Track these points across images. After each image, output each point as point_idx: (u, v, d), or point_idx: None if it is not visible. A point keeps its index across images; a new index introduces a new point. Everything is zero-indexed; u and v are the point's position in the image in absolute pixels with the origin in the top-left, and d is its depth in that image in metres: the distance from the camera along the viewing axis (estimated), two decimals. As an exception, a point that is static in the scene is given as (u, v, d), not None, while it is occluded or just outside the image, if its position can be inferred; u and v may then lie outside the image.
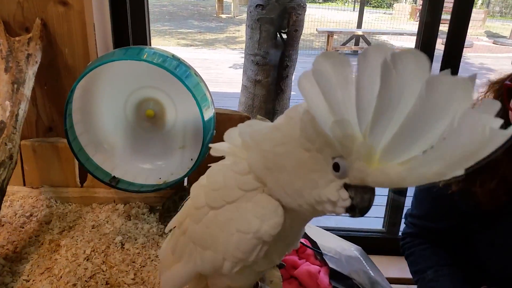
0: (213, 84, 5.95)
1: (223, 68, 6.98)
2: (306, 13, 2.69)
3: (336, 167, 0.45)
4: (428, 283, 1.00)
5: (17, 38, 1.00)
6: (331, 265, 0.96)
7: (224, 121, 1.07)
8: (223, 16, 12.21)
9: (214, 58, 7.72)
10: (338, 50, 7.81)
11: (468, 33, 1.38)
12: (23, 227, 1.00)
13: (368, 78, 0.38)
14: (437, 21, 1.31)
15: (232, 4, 12.19)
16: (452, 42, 1.32)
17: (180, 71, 0.85)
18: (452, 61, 1.34)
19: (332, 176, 0.46)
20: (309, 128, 0.46)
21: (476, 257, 0.99)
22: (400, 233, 1.65)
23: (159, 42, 8.97)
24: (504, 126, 0.36)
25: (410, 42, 8.73)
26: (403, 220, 1.65)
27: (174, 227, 0.67)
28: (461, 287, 0.96)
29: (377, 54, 0.38)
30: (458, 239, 1.02)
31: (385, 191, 1.71)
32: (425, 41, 1.33)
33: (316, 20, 9.82)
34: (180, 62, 0.88)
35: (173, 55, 0.89)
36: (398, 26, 10.97)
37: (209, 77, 6.36)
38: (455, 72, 1.36)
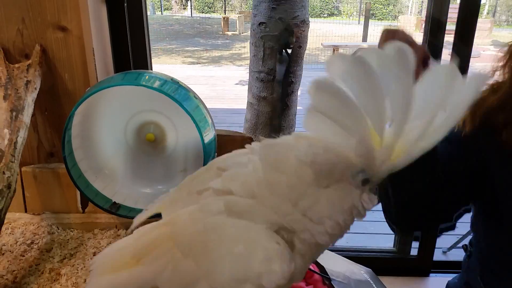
0: (220, 101, 5.97)
1: (229, 85, 7.01)
2: (311, 27, 2.69)
3: (365, 182, 0.47)
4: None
5: (16, 65, 1.00)
6: (339, 291, 0.92)
7: (226, 143, 1.06)
8: (229, 33, 12.35)
9: (220, 75, 7.77)
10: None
11: (475, 43, 1.36)
12: (23, 256, 0.98)
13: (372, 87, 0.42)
14: (442, 31, 1.30)
15: (237, 21, 12.33)
16: (459, 52, 1.29)
17: (179, 94, 0.84)
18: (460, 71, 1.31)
19: (359, 191, 0.48)
20: (325, 166, 0.47)
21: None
22: (411, 252, 1.61)
23: (165, 61, 9.08)
24: None
25: (416, 54, 8.70)
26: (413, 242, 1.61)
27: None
28: None
29: (372, 57, 0.43)
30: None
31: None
32: (431, 52, 1.31)
33: (321, 34, 9.87)
34: (179, 85, 0.87)
35: (172, 79, 0.88)
36: (404, 38, 10.96)
37: (216, 94, 6.39)
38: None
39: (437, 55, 1.33)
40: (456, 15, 1.24)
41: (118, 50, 1.25)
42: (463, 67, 1.34)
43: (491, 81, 0.87)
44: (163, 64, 8.58)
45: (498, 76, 0.86)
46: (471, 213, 1.00)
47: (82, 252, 1.00)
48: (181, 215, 0.55)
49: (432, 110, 0.43)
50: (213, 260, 0.48)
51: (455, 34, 1.27)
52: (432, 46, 1.32)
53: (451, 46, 1.32)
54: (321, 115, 0.43)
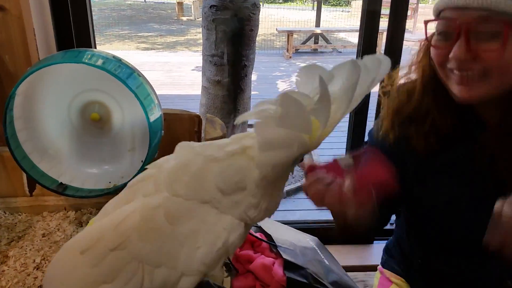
0: (175, 87, 5.90)
1: (185, 71, 6.92)
2: (267, 13, 2.72)
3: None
4: None
5: (-49, 46, 0.97)
6: (285, 257, 0.98)
7: (174, 121, 1.08)
8: (184, 18, 12.12)
9: (175, 60, 7.64)
10: (298, 49, 7.93)
11: (421, 28, 1.43)
12: (-32, 241, 0.97)
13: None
14: (376, 15, 1.36)
15: (192, 7, 12.11)
16: (393, 36, 1.37)
17: (122, 72, 0.84)
18: (393, 55, 1.39)
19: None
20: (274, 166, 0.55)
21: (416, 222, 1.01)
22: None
23: (118, 47, 8.80)
24: None
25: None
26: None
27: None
28: None
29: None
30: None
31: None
32: (368, 35, 1.39)
33: (276, 20, 9.89)
34: (121, 63, 0.87)
35: (113, 56, 0.88)
36: (356, 23, 11.19)
37: (171, 80, 6.30)
38: (396, 66, 1.42)
39: (373, 40, 1.40)
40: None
41: (60, 31, 1.23)
42: (397, 49, 1.41)
43: (407, 84, 0.93)
44: (116, 50, 8.32)
45: (413, 75, 0.92)
46: None
47: (30, 234, 1.00)
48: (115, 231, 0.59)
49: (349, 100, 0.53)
50: (184, 258, 0.55)
51: (389, 18, 1.34)
52: (368, 31, 1.38)
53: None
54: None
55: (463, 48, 0.74)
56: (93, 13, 1.27)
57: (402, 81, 0.93)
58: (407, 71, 0.92)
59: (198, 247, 0.54)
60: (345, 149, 1.70)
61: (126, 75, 0.84)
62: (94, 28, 1.32)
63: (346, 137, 1.69)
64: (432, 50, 0.83)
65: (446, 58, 0.78)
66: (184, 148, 0.64)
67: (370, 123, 1.55)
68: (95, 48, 1.34)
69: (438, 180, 0.92)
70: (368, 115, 1.62)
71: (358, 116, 1.59)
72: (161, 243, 0.55)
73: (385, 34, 1.40)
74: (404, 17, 1.33)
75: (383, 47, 1.48)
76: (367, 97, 1.49)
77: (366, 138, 1.06)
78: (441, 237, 0.94)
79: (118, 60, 0.87)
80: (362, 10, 1.40)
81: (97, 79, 0.92)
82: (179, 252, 0.54)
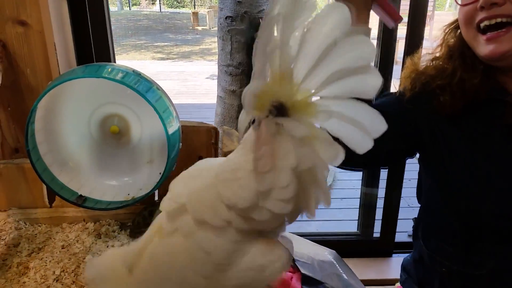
0: (191, 96, 5.95)
1: (200, 80, 6.99)
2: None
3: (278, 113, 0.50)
4: None
5: (-25, 61, 0.99)
6: (303, 271, 0.96)
7: (191, 133, 1.08)
8: (199, 28, 12.26)
9: (191, 70, 7.72)
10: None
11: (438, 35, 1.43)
12: (-10, 252, 0.98)
13: None
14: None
15: (207, 16, 12.25)
16: (411, 43, 1.36)
17: (141, 86, 0.85)
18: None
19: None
20: None
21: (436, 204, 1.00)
22: (374, 235, 1.67)
23: (135, 57, 8.95)
24: None
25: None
26: (376, 222, 1.68)
27: None
28: None
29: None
30: None
31: (358, 193, 1.73)
32: (385, 43, 1.38)
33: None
34: (141, 77, 0.88)
35: (133, 70, 0.89)
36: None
37: (186, 89, 6.36)
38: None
39: (391, 48, 1.39)
40: (408, 7, 1.31)
41: (80, 45, 1.25)
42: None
43: (431, 55, 0.96)
44: (132, 60, 8.46)
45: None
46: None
47: (50, 246, 1.01)
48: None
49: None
50: None
51: (408, 25, 1.33)
52: (386, 38, 1.38)
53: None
54: None
55: None
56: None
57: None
58: (435, 47, 0.95)
59: None
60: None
61: (146, 89, 0.85)
62: (111, 38, 1.35)
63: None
64: (460, 10, 0.85)
65: (474, 13, 0.81)
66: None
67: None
68: (115, 62, 1.36)
69: (460, 146, 0.91)
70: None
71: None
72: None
73: (400, 41, 1.40)
74: (422, 25, 1.32)
75: (400, 55, 1.47)
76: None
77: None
78: (470, 215, 0.92)
79: (138, 74, 0.88)
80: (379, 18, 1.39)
81: (117, 92, 0.93)
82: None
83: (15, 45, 1.05)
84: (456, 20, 0.92)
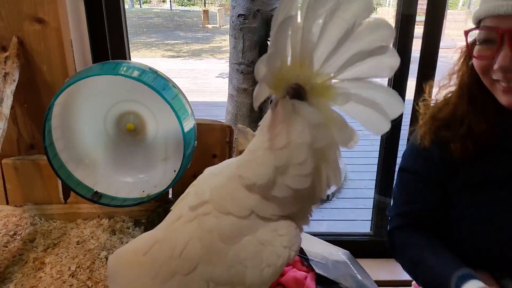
0: (201, 94, 5.96)
1: (210, 78, 7.00)
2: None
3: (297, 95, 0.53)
4: (429, 269, 0.94)
5: (-6, 57, 1.00)
6: (317, 271, 0.96)
7: (206, 131, 1.08)
8: (209, 26, 12.28)
9: (201, 68, 7.74)
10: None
11: (451, 34, 1.41)
12: (6, 246, 0.99)
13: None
14: (412, 22, 1.34)
15: (217, 14, 12.26)
16: (428, 42, 1.34)
17: (157, 84, 0.85)
18: (429, 61, 1.36)
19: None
20: None
21: (459, 235, 0.98)
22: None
23: (145, 54, 8.99)
24: None
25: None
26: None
27: None
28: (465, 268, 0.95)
29: None
30: (444, 217, 1.00)
31: (372, 193, 1.72)
32: (401, 42, 1.36)
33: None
34: (157, 75, 0.88)
35: (150, 68, 0.89)
36: (383, 30, 11.07)
37: (197, 87, 6.37)
38: (432, 71, 1.38)
39: (408, 46, 1.37)
40: (425, 6, 1.29)
41: (96, 42, 1.26)
42: (432, 57, 1.39)
43: (446, 89, 0.93)
44: (143, 58, 8.50)
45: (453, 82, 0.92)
46: None
47: (65, 242, 1.01)
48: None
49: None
50: (251, 278, 0.54)
51: (425, 24, 1.31)
52: (402, 38, 1.36)
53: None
54: None
55: (509, 58, 0.72)
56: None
57: (442, 90, 0.93)
58: (447, 80, 0.91)
59: (262, 268, 0.54)
60: (377, 158, 1.66)
61: (162, 87, 0.85)
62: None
63: (379, 145, 1.66)
64: (474, 60, 0.82)
65: (489, 67, 0.78)
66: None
67: (404, 132, 1.52)
68: (130, 59, 1.37)
69: (477, 189, 0.90)
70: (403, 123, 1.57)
71: (392, 121, 1.54)
72: (228, 266, 0.55)
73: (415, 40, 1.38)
74: (440, 23, 1.30)
75: (414, 54, 1.45)
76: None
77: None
78: (483, 254, 0.91)
79: (154, 72, 0.88)
80: (396, 15, 1.38)
81: (133, 90, 0.93)
82: (245, 273, 0.54)
83: (32, 42, 1.06)
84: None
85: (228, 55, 2.88)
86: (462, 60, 0.89)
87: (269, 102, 0.53)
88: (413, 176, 1.01)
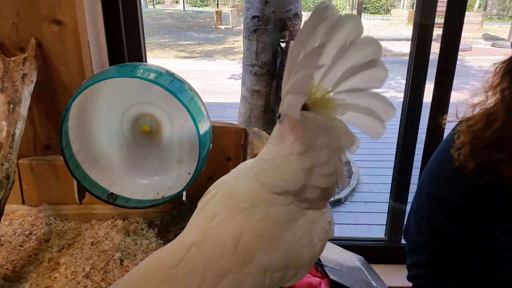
0: (213, 95, 5.98)
1: (222, 79, 7.01)
2: (303, 22, 2.71)
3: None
4: None
5: (12, 58, 1.01)
6: (332, 277, 0.95)
7: (220, 134, 1.08)
8: (222, 27, 12.30)
9: (213, 69, 7.76)
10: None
11: (466, 37, 1.38)
12: (22, 246, 1.00)
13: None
14: (430, 25, 1.32)
15: (230, 15, 12.28)
16: (447, 45, 1.32)
17: (174, 86, 0.85)
18: (447, 64, 1.34)
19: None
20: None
21: (498, 269, 0.92)
22: (402, 241, 1.64)
23: (158, 55, 9.04)
24: None
25: (408, 47, 8.75)
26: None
27: None
28: None
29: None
30: (478, 247, 0.95)
31: (387, 198, 1.70)
32: (420, 45, 1.34)
33: (314, 28, 9.81)
34: (174, 77, 0.88)
35: (167, 71, 0.89)
36: (396, 32, 11.01)
37: (209, 88, 6.39)
38: (450, 75, 1.36)
39: (426, 48, 1.36)
40: (445, 9, 1.27)
41: (112, 43, 1.26)
42: (451, 60, 1.36)
43: (485, 110, 0.88)
44: (156, 58, 8.55)
45: (490, 100, 0.87)
46: None
47: (80, 242, 1.02)
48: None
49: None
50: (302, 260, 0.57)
51: (444, 27, 1.29)
52: (421, 39, 1.34)
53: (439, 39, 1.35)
54: None
55: None
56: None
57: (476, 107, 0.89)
58: (484, 97, 0.87)
59: (315, 244, 0.57)
60: (393, 162, 1.64)
61: (179, 89, 0.85)
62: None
63: (393, 149, 1.63)
64: None
65: None
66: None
67: (421, 135, 1.50)
68: (146, 61, 1.37)
69: None
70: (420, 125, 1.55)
71: (409, 125, 1.51)
72: (285, 248, 0.56)
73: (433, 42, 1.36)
74: (460, 25, 1.27)
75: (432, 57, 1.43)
76: (419, 105, 1.45)
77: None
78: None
79: (171, 75, 0.88)
80: (414, 18, 1.36)
81: (150, 92, 0.94)
82: (302, 253, 0.56)
83: (49, 44, 1.07)
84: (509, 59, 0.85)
85: (240, 56, 2.88)
86: (500, 75, 0.85)
87: (277, 116, 0.57)
88: (445, 206, 0.96)
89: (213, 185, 0.65)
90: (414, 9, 1.41)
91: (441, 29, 1.35)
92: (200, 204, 0.63)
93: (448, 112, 0.97)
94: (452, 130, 0.96)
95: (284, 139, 0.56)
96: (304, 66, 0.47)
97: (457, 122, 0.96)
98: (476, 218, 0.92)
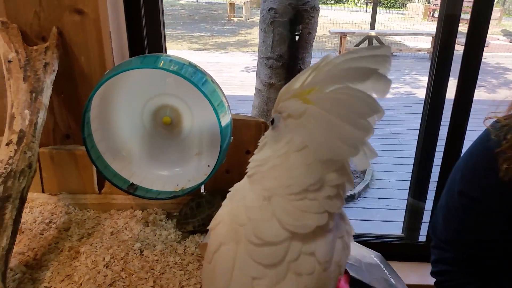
0: (226, 87, 5.91)
1: (235, 71, 6.99)
2: (319, 14, 2.68)
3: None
4: None
5: (34, 47, 1.01)
6: (351, 273, 0.94)
7: (240, 127, 1.07)
8: (235, 19, 12.24)
9: (226, 61, 7.74)
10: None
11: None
12: (42, 234, 1.01)
13: None
14: (456, 20, 1.29)
15: (243, 7, 12.21)
16: (472, 42, 1.29)
17: (196, 78, 0.84)
18: (472, 61, 1.31)
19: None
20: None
21: None
22: (419, 239, 1.62)
23: (172, 47, 9.04)
24: None
25: (424, 42, 8.63)
26: (422, 225, 1.62)
27: None
28: None
29: None
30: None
31: (401, 194, 1.68)
32: (444, 41, 1.31)
33: (328, 21, 9.77)
34: (196, 69, 0.88)
35: (189, 63, 0.88)
36: (412, 26, 10.86)
37: (222, 80, 6.37)
38: (474, 73, 1.33)
39: (450, 43, 1.33)
40: (471, 4, 1.23)
41: (133, 34, 1.26)
42: (476, 57, 1.33)
43: None
44: (170, 50, 8.51)
45: None
46: None
47: (99, 232, 1.02)
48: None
49: None
50: None
51: (470, 23, 1.26)
52: (445, 35, 1.31)
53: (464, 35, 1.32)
54: None
55: None
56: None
57: None
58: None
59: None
60: (413, 159, 1.61)
61: (201, 81, 0.84)
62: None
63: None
64: None
65: None
66: None
67: (442, 132, 1.47)
68: (166, 52, 1.37)
69: None
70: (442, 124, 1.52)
71: (431, 122, 1.48)
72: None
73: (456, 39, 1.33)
74: (486, 21, 1.24)
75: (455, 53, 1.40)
76: (441, 105, 1.42)
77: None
78: None
79: (194, 66, 0.87)
80: (439, 12, 1.32)
81: (171, 84, 0.93)
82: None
83: (71, 33, 1.07)
84: None
85: (253, 48, 2.87)
86: None
87: (270, 122, 0.55)
88: (477, 206, 0.94)
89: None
90: (435, 4, 1.38)
91: (464, 25, 1.32)
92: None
93: (488, 111, 0.93)
94: (490, 126, 0.93)
95: (278, 141, 0.52)
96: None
97: (494, 120, 0.93)
98: (510, 223, 0.90)
